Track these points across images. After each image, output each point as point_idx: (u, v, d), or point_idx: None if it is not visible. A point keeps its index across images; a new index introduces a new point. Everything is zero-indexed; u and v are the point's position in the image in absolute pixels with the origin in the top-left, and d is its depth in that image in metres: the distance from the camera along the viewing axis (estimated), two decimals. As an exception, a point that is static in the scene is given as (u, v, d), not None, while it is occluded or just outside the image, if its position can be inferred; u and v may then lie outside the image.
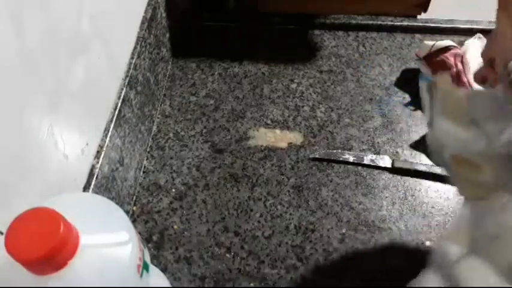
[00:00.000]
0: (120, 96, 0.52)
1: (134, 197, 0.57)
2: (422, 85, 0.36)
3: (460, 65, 0.64)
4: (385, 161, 0.59)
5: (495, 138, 0.31)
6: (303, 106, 0.66)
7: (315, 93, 0.68)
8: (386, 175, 0.59)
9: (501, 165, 0.31)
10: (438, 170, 0.57)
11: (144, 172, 0.60)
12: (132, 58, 0.55)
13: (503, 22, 0.44)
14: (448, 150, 0.34)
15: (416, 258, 0.39)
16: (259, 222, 0.55)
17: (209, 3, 0.79)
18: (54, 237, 0.26)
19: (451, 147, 0.34)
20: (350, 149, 0.61)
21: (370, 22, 0.76)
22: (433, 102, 0.34)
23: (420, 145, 0.61)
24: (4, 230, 0.26)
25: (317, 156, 0.60)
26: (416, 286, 0.33)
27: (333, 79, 0.70)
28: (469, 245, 0.31)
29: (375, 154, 0.60)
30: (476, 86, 0.62)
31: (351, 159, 0.60)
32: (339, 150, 0.61)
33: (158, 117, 0.65)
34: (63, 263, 0.27)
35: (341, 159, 0.60)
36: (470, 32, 0.72)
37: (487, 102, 0.32)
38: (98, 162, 0.47)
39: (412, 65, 0.71)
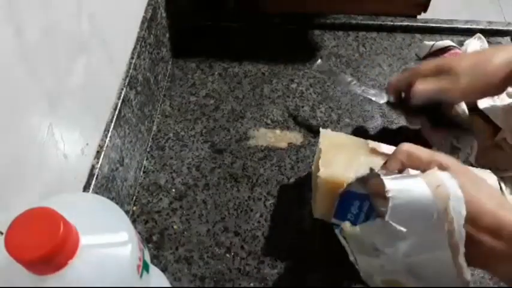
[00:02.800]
0: (120, 96, 0.52)
1: (134, 197, 0.57)
2: (337, 232, 0.41)
3: (460, 65, 0.64)
4: None
5: (396, 257, 0.36)
6: (303, 106, 0.66)
7: (315, 93, 0.68)
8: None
9: (410, 278, 0.37)
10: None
11: (144, 172, 0.60)
12: (132, 58, 0.55)
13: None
14: (377, 278, 0.39)
15: None
16: (259, 222, 0.55)
17: (209, 3, 0.79)
18: (54, 237, 0.26)
19: (377, 274, 0.39)
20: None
21: (370, 22, 0.76)
22: (348, 245, 0.40)
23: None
24: (4, 230, 0.26)
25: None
26: None
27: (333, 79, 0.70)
28: None
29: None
30: None
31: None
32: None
33: (158, 117, 0.65)
34: (63, 263, 0.27)
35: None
36: (470, 32, 0.72)
37: (377, 231, 0.36)
38: (98, 162, 0.47)
39: (412, 65, 0.71)
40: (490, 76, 0.48)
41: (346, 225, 0.40)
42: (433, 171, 0.36)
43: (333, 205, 0.47)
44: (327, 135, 0.51)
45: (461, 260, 0.34)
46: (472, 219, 0.33)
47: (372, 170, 0.39)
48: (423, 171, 0.37)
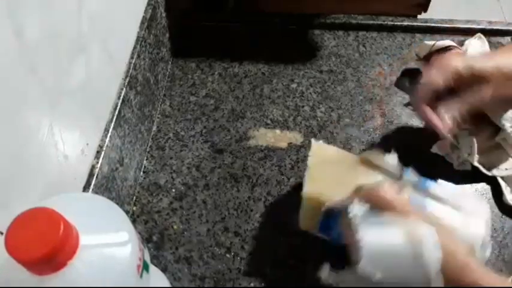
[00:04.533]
0: (120, 96, 0.52)
1: (134, 197, 0.57)
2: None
3: (460, 65, 0.64)
4: None
5: None
6: (303, 106, 0.66)
7: (315, 93, 0.68)
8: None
9: None
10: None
11: (144, 172, 0.60)
12: (132, 58, 0.55)
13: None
14: None
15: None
16: (259, 222, 0.55)
17: (209, 3, 0.79)
18: (54, 237, 0.26)
19: None
20: (350, 149, 0.61)
21: (370, 22, 0.76)
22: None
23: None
24: (4, 230, 0.26)
25: None
26: None
27: (333, 79, 0.70)
28: None
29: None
30: None
31: None
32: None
33: (158, 117, 0.65)
34: (63, 263, 0.27)
35: None
36: (470, 32, 0.72)
37: (354, 278, 0.37)
38: (97, 162, 0.47)
39: (412, 65, 0.71)
40: None
41: (324, 274, 0.40)
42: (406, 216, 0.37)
43: (317, 221, 0.47)
44: (317, 149, 0.51)
45: None
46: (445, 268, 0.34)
47: (348, 212, 0.39)
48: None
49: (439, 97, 0.48)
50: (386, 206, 0.38)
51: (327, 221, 0.46)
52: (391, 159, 0.47)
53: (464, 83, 0.47)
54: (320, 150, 0.51)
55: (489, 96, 0.47)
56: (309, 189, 0.47)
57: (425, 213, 0.40)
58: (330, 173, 0.48)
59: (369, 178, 0.46)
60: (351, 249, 0.39)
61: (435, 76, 0.48)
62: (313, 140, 0.52)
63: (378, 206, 0.38)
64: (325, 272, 0.40)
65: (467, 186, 0.57)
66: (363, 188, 0.40)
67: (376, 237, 0.36)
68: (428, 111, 0.48)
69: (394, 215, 0.38)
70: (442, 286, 0.34)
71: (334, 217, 0.44)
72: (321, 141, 0.52)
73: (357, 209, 0.38)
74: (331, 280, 0.39)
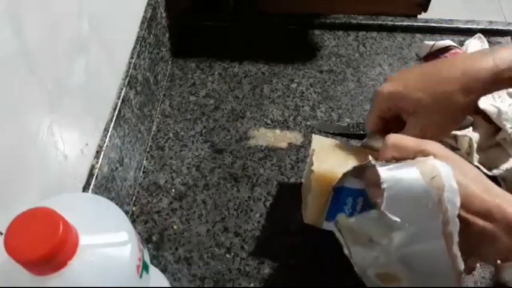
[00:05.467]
0: (119, 96, 0.52)
1: (134, 197, 0.57)
2: (332, 225, 0.42)
3: (460, 65, 0.64)
4: None
5: (390, 248, 0.36)
6: (303, 106, 0.66)
7: (315, 93, 0.68)
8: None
9: (404, 269, 0.37)
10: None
11: (143, 172, 0.60)
12: (131, 58, 0.55)
13: None
14: (371, 271, 0.39)
15: None
16: (259, 222, 0.55)
17: (209, 3, 0.79)
18: (54, 237, 0.26)
19: (371, 268, 0.39)
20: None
21: (370, 22, 0.76)
22: (342, 237, 0.40)
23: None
24: (4, 230, 0.26)
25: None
26: None
27: (333, 79, 0.70)
28: None
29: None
30: None
31: None
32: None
33: (158, 117, 0.65)
34: (62, 263, 0.27)
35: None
36: (470, 32, 0.72)
37: (372, 222, 0.37)
38: (97, 162, 0.47)
39: (413, 65, 0.71)
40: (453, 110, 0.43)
41: (342, 217, 0.40)
42: (428, 159, 0.36)
43: (325, 206, 0.47)
44: (318, 140, 0.51)
45: (456, 249, 0.34)
46: (462, 204, 0.34)
47: (368, 160, 0.39)
48: (412, 159, 0.37)
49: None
50: (400, 151, 0.38)
51: (337, 200, 0.45)
52: None
53: (397, 110, 0.45)
54: (321, 141, 0.51)
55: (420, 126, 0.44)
56: (319, 167, 0.46)
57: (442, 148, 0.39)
58: (334, 157, 0.48)
59: None
60: (373, 195, 0.39)
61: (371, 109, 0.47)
62: (313, 135, 0.52)
63: (394, 156, 0.38)
64: (342, 217, 0.40)
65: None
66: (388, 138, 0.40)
67: (398, 181, 0.36)
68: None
69: (409, 158, 0.38)
70: (457, 233, 0.34)
71: (344, 194, 0.44)
72: (320, 136, 0.52)
73: (376, 161, 0.39)
74: (346, 225, 0.39)
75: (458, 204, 0.34)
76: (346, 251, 0.40)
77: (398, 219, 0.35)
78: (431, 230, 0.35)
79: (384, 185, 0.35)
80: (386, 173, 0.36)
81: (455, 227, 0.34)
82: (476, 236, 0.35)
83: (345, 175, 0.43)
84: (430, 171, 0.35)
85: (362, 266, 0.40)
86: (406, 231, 0.35)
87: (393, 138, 0.39)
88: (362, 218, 0.38)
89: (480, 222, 0.34)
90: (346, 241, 0.40)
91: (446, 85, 0.42)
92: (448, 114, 0.43)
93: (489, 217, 0.34)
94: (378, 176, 0.36)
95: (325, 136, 0.61)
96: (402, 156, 0.38)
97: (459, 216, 0.34)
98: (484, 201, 0.34)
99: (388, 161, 0.39)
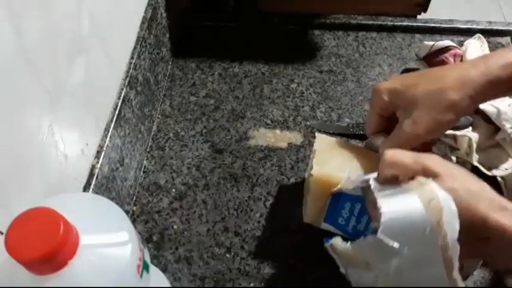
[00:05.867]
0: (120, 96, 0.52)
1: (134, 197, 0.57)
2: (326, 245, 0.42)
3: (460, 65, 0.64)
4: None
5: (388, 272, 0.36)
6: (303, 106, 0.66)
7: (315, 93, 0.68)
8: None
9: None
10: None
11: (144, 172, 0.60)
12: (132, 58, 0.55)
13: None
14: None
15: None
16: (259, 222, 0.55)
17: (209, 3, 0.79)
18: (54, 237, 0.26)
19: (369, 286, 0.38)
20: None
21: (370, 22, 0.76)
22: (339, 259, 0.40)
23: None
24: (4, 230, 0.26)
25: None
26: None
27: (333, 79, 0.70)
28: None
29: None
30: None
31: None
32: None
33: (158, 117, 0.65)
34: (63, 263, 0.27)
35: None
36: (470, 32, 0.72)
37: (369, 248, 0.36)
38: (98, 162, 0.47)
39: (412, 65, 0.71)
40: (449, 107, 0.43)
41: (337, 241, 0.39)
42: (425, 182, 0.36)
43: (324, 208, 0.47)
44: (322, 139, 0.51)
45: (456, 275, 0.34)
46: (463, 227, 0.33)
47: (367, 181, 0.39)
48: (411, 178, 0.37)
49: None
50: (398, 168, 0.38)
51: (335, 204, 0.45)
52: None
53: (393, 108, 0.45)
54: (324, 140, 0.51)
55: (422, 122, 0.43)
56: (317, 171, 0.47)
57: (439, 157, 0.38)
58: (336, 159, 0.48)
59: (374, 162, 0.46)
60: (373, 217, 0.38)
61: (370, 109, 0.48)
62: (316, 133, 0.53)
63: (393, 174, 0.38)
64: (337, 242, 0.39)
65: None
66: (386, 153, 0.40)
67: (395, 206, 0.35)
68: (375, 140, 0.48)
69: (408, 175, 0.37)
70: (458, 255, 0.33)
71: (343, 199, 0.44)
72: (324, 135, 0.52)
73: (375, 183, 0.38)
74: (342, 249, 0.39)
75: (458, 227, 0.33)
76: (342, 270, 0.40)
77: (396, 245, 0.34)
78: (430, 255, 0.34)
79: (380, 210, 0.35)
80: (384, 200, 0.36)
81: (455, 251, 0.33)
82: (475, 255, 0.35)
83: (342, 185, 0.43)
84: (428, 195, 0.35)
85: (359, 284, 0.39)
86: (405, 256, 0.35)
87: (390, 155, 0.38)
88: (359, 244, 0.37)
89: (479, 246, 0.34)
90: (342, 263, 0.40)
91: (441, 83, 0.43)
92: (441, 109, 0.43)
93: (488, 239, 0.34)
94: (375, 201, 0.36)
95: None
96: (401, 173, 0.38)
97: (459, 239, 0.33)
98: (486, 223, 0.33)
99: (388, 178, 0.38)
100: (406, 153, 0.38)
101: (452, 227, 0.33)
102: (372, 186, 0.38)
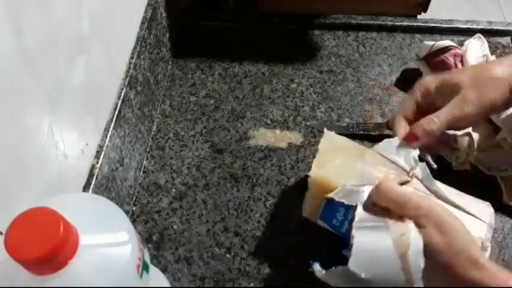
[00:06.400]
0: (120, 96, 0.52)
1: (134, 197, 0.57)
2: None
3: (459, 65, 0.64)
4: None
5: None
6: (303, 106, 0.66)
7: (315, 93, 0.68)
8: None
9: None
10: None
11: (144, 172, 0.60)
12: (132, 58, 0.55)
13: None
14: None
15: None
16: (259, 222, 0.55)
17: (209, 3, 0.79)
18: (54, 237, 0.26)
19: None
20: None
21: (370, 22, 0.76)
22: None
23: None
24: (4, 230, 0.26)
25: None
26: None
27: (333, 79, 0.70)
28: None
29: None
30: None
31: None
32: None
33: (158, 117, 0.65)
34: (63, 263, 0.27)
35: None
36: (470, 32, 0.72)
37: (340, 277, 0.38)
38: (97, 162, 0.47)
39: (412, 65, 0.71)
40: (495, 97, 0.43)
41: (315, 268, 0.41)
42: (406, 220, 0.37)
43: (320, 207, 0.47)
44: (329, 137, 0.51)
45: None
46: (441, 274, 0.34)
47: (354, 208, 0.40)
48: (400, 217, 0.38)
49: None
50: (386, 201, 0.39)
51: (329, 208, 0.46)
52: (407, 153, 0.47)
53: (437, 97, 0.46)
54: (331, 139, 0.51)
55: (471, 106, 0.44)
56: (316, 173, 0.47)
57: (431, 199, 0.40)
58: (338, 160, 0.48)
59: (376, 168, 0.46)
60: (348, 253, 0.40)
61: (406, 99, 0.48)
62: (325, 129, 0.52)
63: (380, 201, 0.39)
64: (315, 268, 0.41)
65: (467, 186, 0.57)
66: (379, 185, 0.41)
67: (366, 239, 0.37)
68: (397, 121, 0.48)
69: (395, 208, 0.38)
70: None
71: (336, 206, 0.45)
72: (333, 132, 0.52)
73: (360, 209, 0.40)
74: (320, 276, 0.40)
75: (422, 266, 0.34)
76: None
77: (363, 276, 0.36)
78: (398, 285, 0.36)
79: (352, 241, 0.37)
80: (358, 231, 0.37)
81: (418, 285, 0.34)
82: None
83: (334, 194, 0.44)
84: (401, 230, 0.36)
85: None
86: (373, 286, 0.36)
87: (383, 187, 0.39)
88: (332, 272, 0.39)
89: None
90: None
91: (491, 72, 0.44)
92: (490, 89, 0.43)
93: None
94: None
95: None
96: (393, 209, 0.39)
97: (423, 277, 0.34)
98: (464, 276, 0.34)
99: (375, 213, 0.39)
100: (398, 191, 0.39)
101: (416, 264, 0.35)
102: (356, 212, 0.39)
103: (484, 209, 0.46)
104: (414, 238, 0.35)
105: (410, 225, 0.37)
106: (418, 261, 0.35)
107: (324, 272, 0.40)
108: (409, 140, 0.46)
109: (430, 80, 0.47)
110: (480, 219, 0.45)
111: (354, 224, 0.38)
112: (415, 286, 0.35)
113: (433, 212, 0.37)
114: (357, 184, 0.43)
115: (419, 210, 0.37)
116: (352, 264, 0.36)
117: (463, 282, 0.34)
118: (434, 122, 0.44)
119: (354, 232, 0.37)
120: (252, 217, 0.55)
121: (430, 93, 0.47)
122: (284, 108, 0.66)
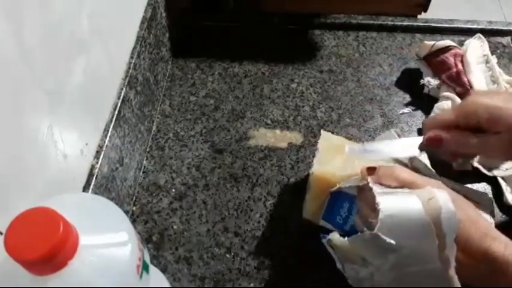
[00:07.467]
0: (119, 96, 0.52)
1: (134, 197, 0.57)
2: (324, 241, 0.43)
3: (460, 65, 0.64)
4: None
5: (384, 268, 0.36)
6: (303, 106, 0.66)
7: (315, 93, 0.68)
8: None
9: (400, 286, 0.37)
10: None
11: (143, 172, 0.60)
12: (131, 58, 0.55)
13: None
14: (367, 284, 0.39)
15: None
16: (259, 222, 0.55)
17: (209, 3, 0.79)
18: (54, 237, 0.26)
19: (365, 281, 0.39)
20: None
21: (370, 22, 0.76)
22: (335, 254, 0.41)
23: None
24: (4, 230, 0.26)
25: None
26: None
27: (333, 79, 0.70)
28: None
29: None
30: (477, 86, 0.62)
31: None
32: None
33: (158, 117, 0.65)
34: (62, 263, 0.27)
35: None
36: (470, 32, 0.72)
37: (366, 243, 0.37)
38: (97, 162, 0.47)
39: (412, 65, 0.71)
40: None
41: (335, 236, 0.40)
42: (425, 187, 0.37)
43: (323, 206, 0.47)
44: (326, 137, 0.52)
45: (452, 272, 0.34)
46: (459, 245, 0.34)
47: (366, 181, 0.39)
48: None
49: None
50: (403, 183, 0.38)
51: (334, 203, 0.46)
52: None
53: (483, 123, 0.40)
54: (329, 139, 0.51)
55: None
56: (318, 170, 0.48)
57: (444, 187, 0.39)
58: (338, 158, 0.48)
59: (377, 163, 0.46)
60: (367, 215, 0.38)
61: (446, 112, 0.45)
62: (322, 130, 0.53)
63: (394, 184, 0.39)
64: (335, 237, 0.40)
65: (468, 186, 0.57)
66: (379, 168, 0.40)
67: (393, 203, 0.36)
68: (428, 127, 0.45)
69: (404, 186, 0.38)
70: (455, 255, 0.34)
71: (341, 199, 0.44)
72: (329, 133, 0.53)
73: (374, 184, 0.39)
74: (339, 244, 0.39)
75: (456, 227, 0.34)
76: (339, 266, 0.40)
77: (393, 242, 0.34)
78: (427, 253, 0.34)
79: (379, 206, 0.35)
80: (382, 197, 0.36)
81: (451, 251, 0.34)
82: (468, 276, 0.35)
83: (341, 184, 0.43)
84: (427, 194, 0.35)
85: (356, 279, 0.40)
86: (401, 253, 0.35)
87: (399, 171, 0.39)
88: (355, 240, 0.37)
89: (474, 265, 0.35)
90: (339, 258, 0.40)
91: None
92: None
93: (482, 261, 0.35)
94: (374, 198, 0.36)
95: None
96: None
97: (456, 241, 0.34)
98: (481, 245, 0.35)
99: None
100: (415, 174, 0.39)
101: (450, 225, 0.34)
102: (371, 184, 0.38)
103: (483, 196, 0.47)
104: (444, 200, 0.34)
105: (434, 190, 0.36)
106: (451, 223, 0.34)
107: (346, 239, 0.38)
108: (431, 142, 0.43)
109: (481, 105, 0.40)
110: (482, 208, 0.45)
111: (374, 191, 0.37)
112: (448, 248, 0.34)
113: (443, 188, 0.37)
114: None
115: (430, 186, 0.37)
116: (380, 230, 0.35)
117: (479, 251, 0.34)
118: (476, 147, 0.41)
119: (378, 198, 0.36)
120: (252, 217, 0.55)
121: (472, 120, 0.41)
122: (284, 108, 0.66)
